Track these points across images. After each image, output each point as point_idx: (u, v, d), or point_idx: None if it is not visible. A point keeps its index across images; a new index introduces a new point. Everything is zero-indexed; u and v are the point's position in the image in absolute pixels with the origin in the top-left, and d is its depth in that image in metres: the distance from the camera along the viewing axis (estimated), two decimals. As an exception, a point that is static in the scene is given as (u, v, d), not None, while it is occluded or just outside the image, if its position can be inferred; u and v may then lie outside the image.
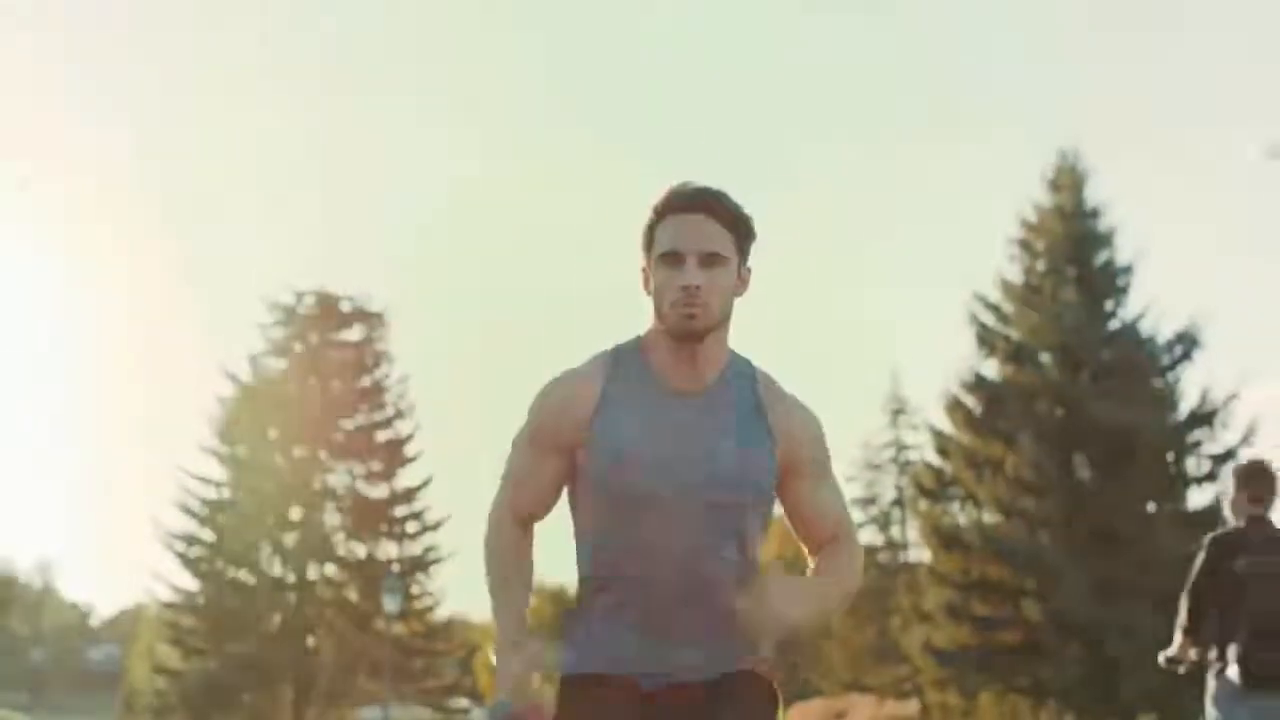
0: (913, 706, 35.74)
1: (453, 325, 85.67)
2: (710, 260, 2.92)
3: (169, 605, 36.37)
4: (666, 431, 2.95)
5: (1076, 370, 28.73)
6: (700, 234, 2.92)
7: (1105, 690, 26.53)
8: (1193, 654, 6.35)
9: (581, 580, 3.06)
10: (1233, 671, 6.10)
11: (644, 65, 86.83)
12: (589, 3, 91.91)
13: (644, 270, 3.02)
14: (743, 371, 3.04)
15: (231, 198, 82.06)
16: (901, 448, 45.68)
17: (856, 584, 3.12)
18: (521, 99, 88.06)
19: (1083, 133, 58.93)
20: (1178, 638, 6.36)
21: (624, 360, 3.03)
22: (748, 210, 3.01)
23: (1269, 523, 6.37)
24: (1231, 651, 6.12)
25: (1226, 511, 8.61)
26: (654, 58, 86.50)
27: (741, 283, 3.00)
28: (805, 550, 3.15)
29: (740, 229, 2.97)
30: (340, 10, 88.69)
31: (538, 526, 3.14)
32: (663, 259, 2.95)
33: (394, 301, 50.38)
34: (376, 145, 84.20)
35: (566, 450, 3.01)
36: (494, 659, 2.91)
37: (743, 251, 2.99)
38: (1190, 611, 6.33)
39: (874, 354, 77.81)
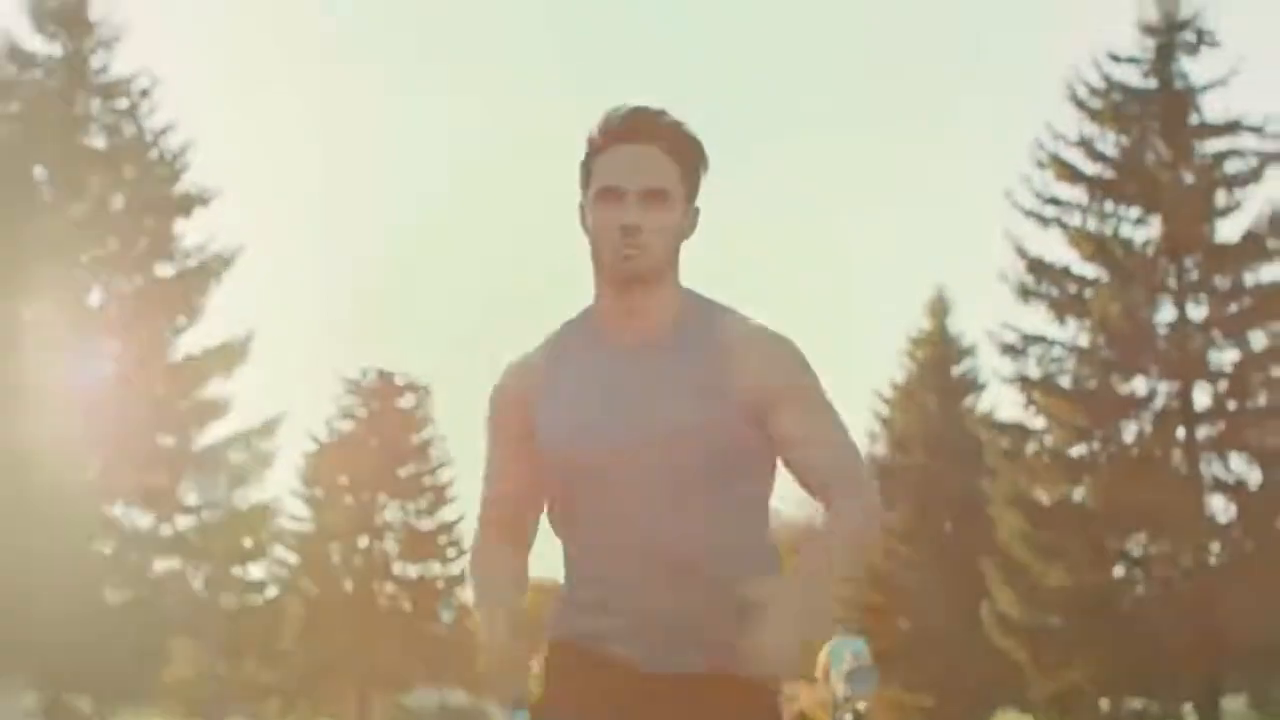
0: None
1: (481, 393, 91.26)
2: (652, 197, 2.52)
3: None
4: (595, 394, 2.55)
5: (936, 455, 37.20)
6: (642, 167, 2.52)
7: (956, 683, 34.85)
8: None
9: (565, 576, 2.70)
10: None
11: (641, 63, 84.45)
12: (589, 6, 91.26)
13: (581, 208, 2.60)
14: (699, 314, 2.59)
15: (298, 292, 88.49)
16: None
17: (865, 536, 2.60)
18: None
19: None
20: None
21: (567, 330, 2.65)
22: (698, 136, 2.58)
23: None
24: None
25: None
26: (651, 54, 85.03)
27: (688, 223, 2.59)
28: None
29: (688, 159, 2.56)
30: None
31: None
32: (600, 195, 2.53)
33: (436, 373, 55.77)
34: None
35: (525, 441, 2.62)
36: (488, 659, 2.51)
37: (690, 184, 2.57)
38: None
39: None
